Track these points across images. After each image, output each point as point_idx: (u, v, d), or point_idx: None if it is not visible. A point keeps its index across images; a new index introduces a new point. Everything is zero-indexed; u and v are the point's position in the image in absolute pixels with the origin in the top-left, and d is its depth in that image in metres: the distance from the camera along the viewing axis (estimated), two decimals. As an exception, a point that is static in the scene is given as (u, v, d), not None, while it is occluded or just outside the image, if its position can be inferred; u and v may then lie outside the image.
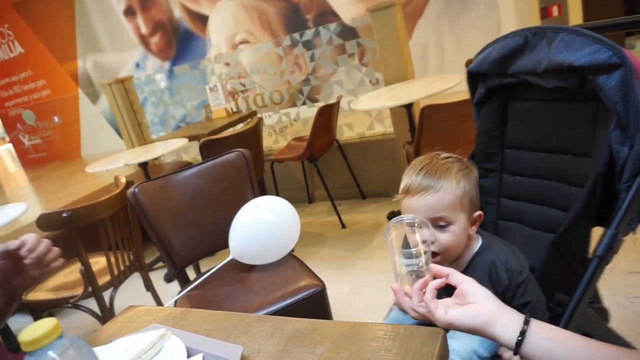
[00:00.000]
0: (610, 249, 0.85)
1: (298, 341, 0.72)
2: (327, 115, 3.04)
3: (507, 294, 0.89)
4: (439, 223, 0.90)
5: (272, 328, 0.78)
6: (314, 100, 3.68)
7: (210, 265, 1.59)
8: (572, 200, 0.92)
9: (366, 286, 2.31)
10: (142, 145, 3.97)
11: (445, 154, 0.98)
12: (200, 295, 1.57)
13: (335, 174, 3.38)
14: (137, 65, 7.28)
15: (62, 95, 7.85)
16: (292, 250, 1.64)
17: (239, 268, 1.62)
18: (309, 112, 3.53)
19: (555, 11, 5.36)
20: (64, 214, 1.76)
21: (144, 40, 7.09)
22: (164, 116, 4.44)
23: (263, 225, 1.51)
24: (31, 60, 7.86)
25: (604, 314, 1.06)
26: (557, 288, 0.91)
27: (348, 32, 3.56)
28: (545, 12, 5.43)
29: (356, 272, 2.47)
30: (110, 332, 0.88)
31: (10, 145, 10.08)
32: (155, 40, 7.03)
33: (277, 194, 3.48)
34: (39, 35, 7.59)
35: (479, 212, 0.96)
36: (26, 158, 8.94)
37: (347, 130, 3.51)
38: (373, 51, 3.19)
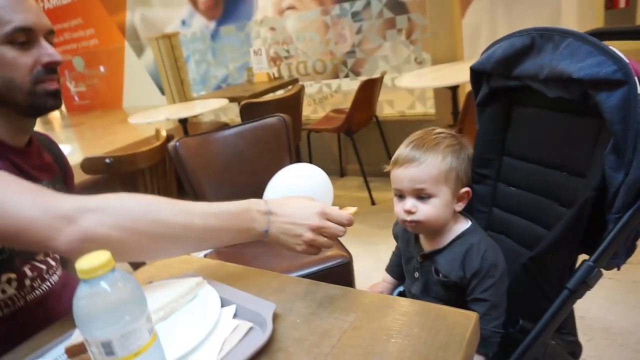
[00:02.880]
0: (583, 282, 0.78)
1: (329, 306, 0.73)
2: (370, 90, 2.99)
3: (472, 281, 0.88)
4: (420, 194, 0.90)
5: (304, 290, 0.79)
6: (357, 74, 3.62)
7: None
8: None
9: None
10: (182, 102, 4.03)
11: (439, 130, 0.96)
12: (230, 252, 1.60)
13: (370, 149, 3.35)
14: (183, 22, 7.28)
15: (108, 45, 7.99)
16: (323, 220, 1.64)
17: (270, 231, 1.65)
18: (350, 85, 3.49)
19: (622, 2, 5.01)
20: (107, 160, 1.82)
21: (192, -3, 7.08)
22: (206, 75, 4.47)
23: (297, 193, 1.52)
24: (81, 9, 7.99)
25: (576, 348, 0.97)
26: (524, 313, 0.85)
27: (398, 7, 3.45)
28: (610, 3, 5.09)
29: (382, 250, 2.46)
30: (147, 274, 0.91)
31: (57, 90, 10.39)
32: (203, -2, 7.02)
33: (310, 164, 3.49)
34: (90, -17, 7.69)
35: (466, 189, 0.94)
36: (71, 104, 9.23)
37: (387, 107, 3.45)
38: (424, 28, 3.09)
